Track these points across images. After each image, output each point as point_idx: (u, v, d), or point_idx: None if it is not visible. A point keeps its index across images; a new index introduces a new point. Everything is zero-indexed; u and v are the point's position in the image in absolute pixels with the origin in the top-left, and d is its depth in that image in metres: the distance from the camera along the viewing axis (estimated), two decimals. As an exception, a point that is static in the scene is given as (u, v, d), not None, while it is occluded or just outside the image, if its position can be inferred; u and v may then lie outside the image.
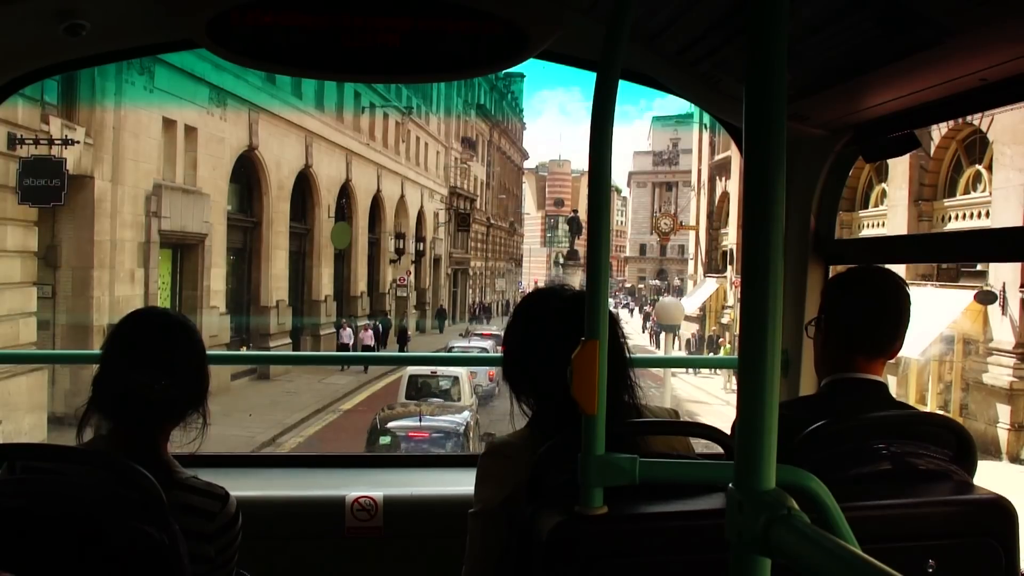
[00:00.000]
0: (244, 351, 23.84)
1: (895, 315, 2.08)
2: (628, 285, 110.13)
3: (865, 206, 24.84)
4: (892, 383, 21.22)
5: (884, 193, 23.37)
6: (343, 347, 30.37)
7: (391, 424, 14.57)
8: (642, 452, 1.53)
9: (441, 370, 19.54)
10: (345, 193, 35.10)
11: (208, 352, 1.96)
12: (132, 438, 1.80)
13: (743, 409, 0.95)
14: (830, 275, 2.83)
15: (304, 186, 31.13)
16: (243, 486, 2.38)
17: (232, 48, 2.40)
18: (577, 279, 61.04)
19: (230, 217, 25.58)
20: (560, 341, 1.67)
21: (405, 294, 42.15)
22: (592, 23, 2.41)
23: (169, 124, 21.74)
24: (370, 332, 31.21)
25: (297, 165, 29.92)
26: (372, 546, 2.90)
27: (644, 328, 57.65)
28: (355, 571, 2.93)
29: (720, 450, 1.93)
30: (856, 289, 2.15)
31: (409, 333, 38.27)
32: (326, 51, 2.39)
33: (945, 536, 1.68)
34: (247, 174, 27.20)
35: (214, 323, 23.20)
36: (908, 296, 2.11)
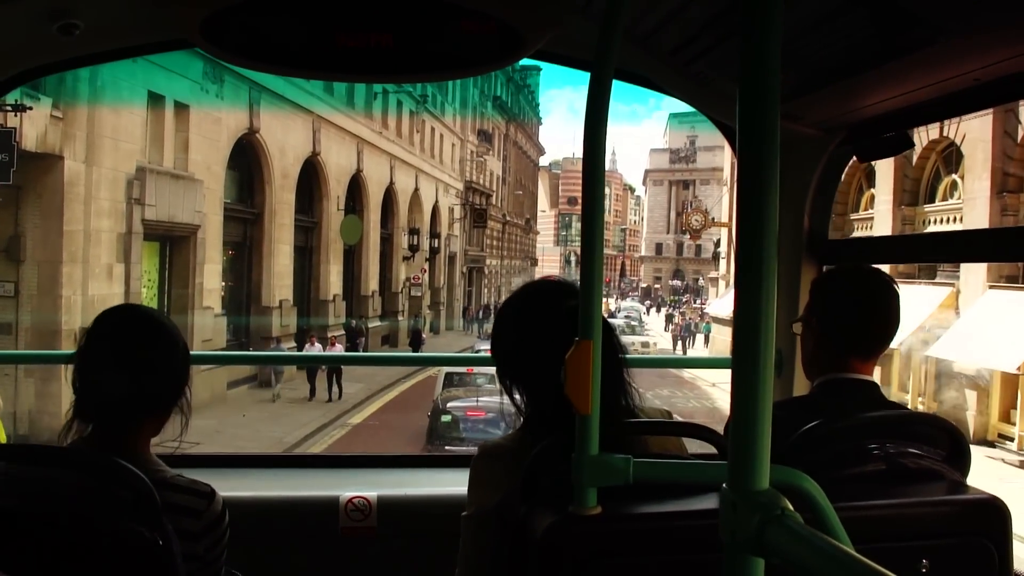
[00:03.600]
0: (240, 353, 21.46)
1: (888, 316, 2.10)
2: (644, 285, 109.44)
3: (931, 200, 22.68)
4: (971, 399, 19.22)
5: (955, 185, 21.16)
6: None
7: (450, 404, 16.05)
8: (636, 453, 1.53)
9: (477, 367, 19.40)
10: (356, 185, 32.51)
11: (194, 352, 1.97)
12: (113, 439, 1.79)
13: (736, 409, 0.95)
14: None
15: (311, 175, 28.36)
16: (237, 486, 2.42)
17: (227, 48, 2.39)
18: (597, 279, 59.26)
19: (227, 207, 22.83)
20: (554, 339, 1.63)
21: (420, 293, 39.46)
22: (586, 23, 2.39)
23: (156, 99, 19.15)
24: (339, 347, 25.55)
25: (303, 152, 27.07)
26: (366, 546, 2.90)
27: (667, 328, 56.18)
28: (349, 571, 2.92)
29: (713, 450, 1.93)
30: (848, 291, 2.15)
31: (423, 335, 36.12)
32: (320, 51, 2.38)
33: (938, 536, 1.68)
34: (247, 160, 24.37)
35: (208, 325, 20.68)
36: (898, 296, 2.13)
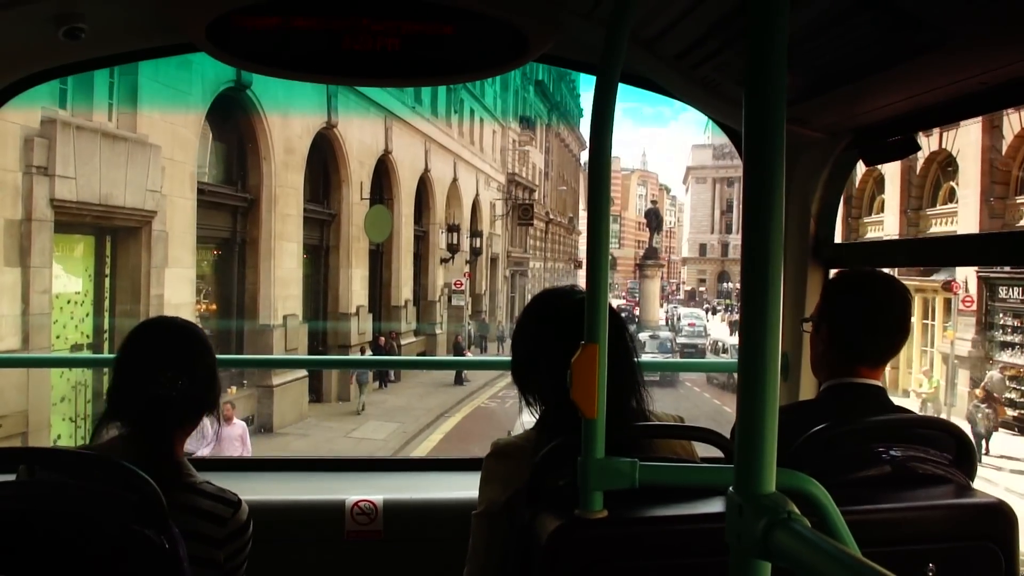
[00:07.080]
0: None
1: (898, 323, 2.09)
2: (688, 288, 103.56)
3: None
4: None
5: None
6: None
7: None
8: (646, 457, 1.57)
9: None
10: (383, 169, 26.19)
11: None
12: (150, 441, 1.85)
13: (743, 413, 0.96)
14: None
15: (325, 154, 22.30)
16: (243, 489, 2.38)
17: (232, 52, 2.43)
18: (657, 283, 52.43)
19: (205, 189, 16.60)
20: (568, 344, 1.62)
21: (462, 302, 33.50)
22: (592, 27, 2.42)
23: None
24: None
25: (315, 123, 20.97)
26: (372, 550, 2.91)
27: (732, 336, 50.18)
28: (355, 575, 2.93)
29: (720, 454, 1.94)
30: (858, 297, 2.13)
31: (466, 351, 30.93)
32: (327, 55, 2.39)
33: (945, 540, 1.69)
34: (234, 125, 18.29)
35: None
36: (909, 302, 2.13)
